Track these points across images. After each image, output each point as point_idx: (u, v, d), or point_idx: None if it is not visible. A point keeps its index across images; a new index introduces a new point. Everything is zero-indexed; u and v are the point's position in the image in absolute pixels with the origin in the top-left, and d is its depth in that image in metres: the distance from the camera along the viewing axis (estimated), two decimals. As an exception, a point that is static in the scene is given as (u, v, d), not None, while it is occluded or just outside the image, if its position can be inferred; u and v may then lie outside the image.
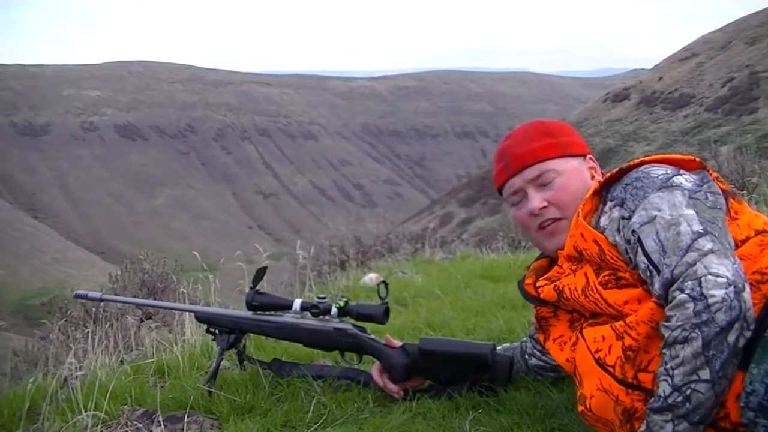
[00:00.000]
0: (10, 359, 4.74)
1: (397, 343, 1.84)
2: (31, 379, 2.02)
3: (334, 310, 1.85)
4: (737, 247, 1.24)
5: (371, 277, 4.27)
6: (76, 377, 2.11)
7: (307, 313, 1.87)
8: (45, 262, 47.03)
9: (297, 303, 1.88)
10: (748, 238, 1.27)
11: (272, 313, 1.91)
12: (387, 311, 1.83)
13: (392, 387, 1.79)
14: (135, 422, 1.71)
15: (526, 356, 1.79)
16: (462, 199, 42.08)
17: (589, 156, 1.54)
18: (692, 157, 1.36)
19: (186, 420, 1.68)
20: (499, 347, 1.84)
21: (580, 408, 1.36)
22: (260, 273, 1.90)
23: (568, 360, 1.47)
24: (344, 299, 1.88)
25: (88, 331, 3.11)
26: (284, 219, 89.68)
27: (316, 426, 1.65)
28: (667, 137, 35.18)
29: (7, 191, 77.68)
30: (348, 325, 1.86)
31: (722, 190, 1.32)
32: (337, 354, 1.96)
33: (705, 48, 43.04)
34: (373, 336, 1.87)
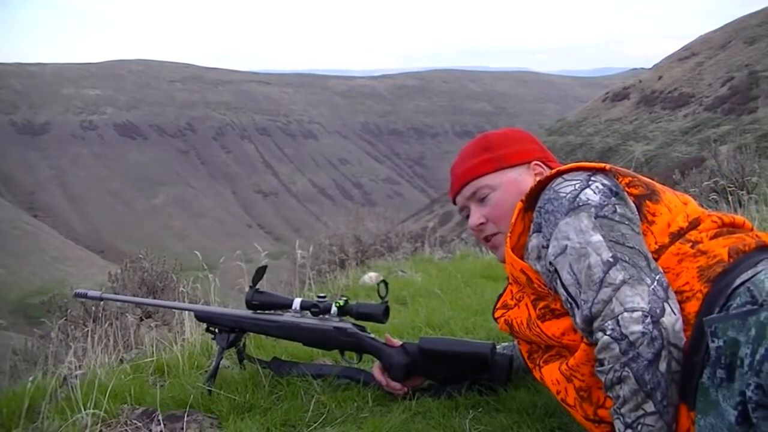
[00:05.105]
0: (10, 358, 4.73)
1: (397, 342, 1.84)
2: (31, 378, 2.01)
3: (333, 309, 1.85)
4: (655, 258, 1.22)
5: (371, 276, 4.27)
6: (76, 376, 2.11)
7: (307, 312, 1.87)
8: (44, 261, 47.07)
9: (297, 302, 1.87)
10: (662, 248, 1.24)
11: (272, 312, 1.90)
12: (387, 310, 1.82)
13: (395, 385, 1.78)
14: (135, 421, 1.71)
15: (526, 355, 1.79)
16: (462, 198, 42.06)
17: (535, 162, 1.52)
18: (602, 165, 1.34)
19: (186, 419, 1.67)
20: (498, 346, 1.84)
21: None
22: (260, 272, 1.89)
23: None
24: (344, 298, 1.87)
25: (87, 330, 3.11)
26: (284, 218, 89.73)
27: (315, 425, 1.65)
28: (666, 136, 35.21)
29: (6, 190, 77.69)
30: (348, 324, 1.86)
31: (635, 195, 1.29)
32: (336, 353, 1.96)
33: (705, 47, 43.07)
34: (372, 335, 1.86)
